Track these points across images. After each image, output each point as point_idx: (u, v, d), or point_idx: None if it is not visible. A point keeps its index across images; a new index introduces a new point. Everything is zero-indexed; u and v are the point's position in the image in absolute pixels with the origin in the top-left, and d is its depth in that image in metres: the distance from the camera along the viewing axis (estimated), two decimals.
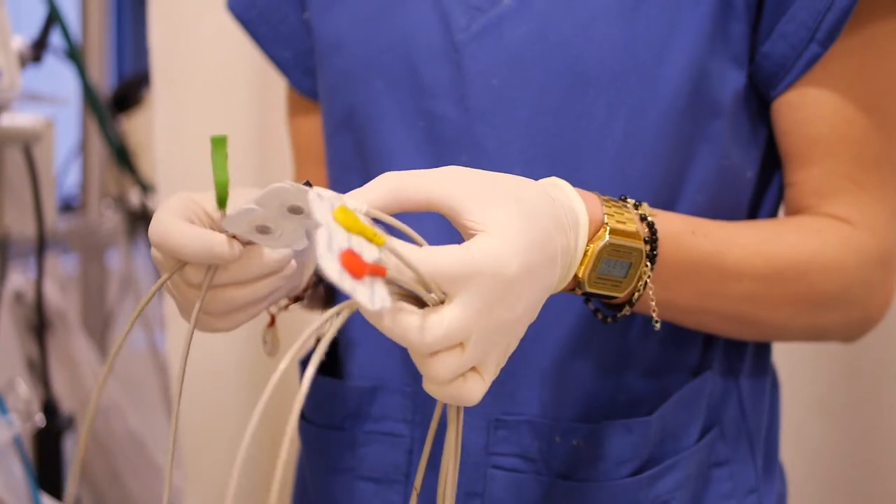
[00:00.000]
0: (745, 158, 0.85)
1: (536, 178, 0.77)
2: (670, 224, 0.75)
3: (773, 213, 0.87)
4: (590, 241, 0.69)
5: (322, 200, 0.57)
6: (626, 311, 0.75)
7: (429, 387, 0.61)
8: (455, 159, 0.83)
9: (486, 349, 0.61)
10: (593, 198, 0.71)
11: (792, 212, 0.85)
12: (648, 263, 0.73)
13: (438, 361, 0.59)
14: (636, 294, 0.73)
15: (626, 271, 0.71)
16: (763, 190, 0.88)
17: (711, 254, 0.77)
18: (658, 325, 0.76)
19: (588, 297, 0.72)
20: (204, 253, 0.67)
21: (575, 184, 0.80)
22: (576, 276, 0.69)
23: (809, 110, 0.81)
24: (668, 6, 0.80)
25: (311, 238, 0.56)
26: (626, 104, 0.80)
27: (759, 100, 0.84)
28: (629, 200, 0.74)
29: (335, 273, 0.54)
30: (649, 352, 0.84)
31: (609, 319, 0.77)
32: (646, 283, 0.73)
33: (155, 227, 0.68)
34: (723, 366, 0.87)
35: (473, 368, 0.61)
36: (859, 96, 0.80)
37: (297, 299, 0.84)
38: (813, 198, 0.83)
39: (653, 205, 0.81)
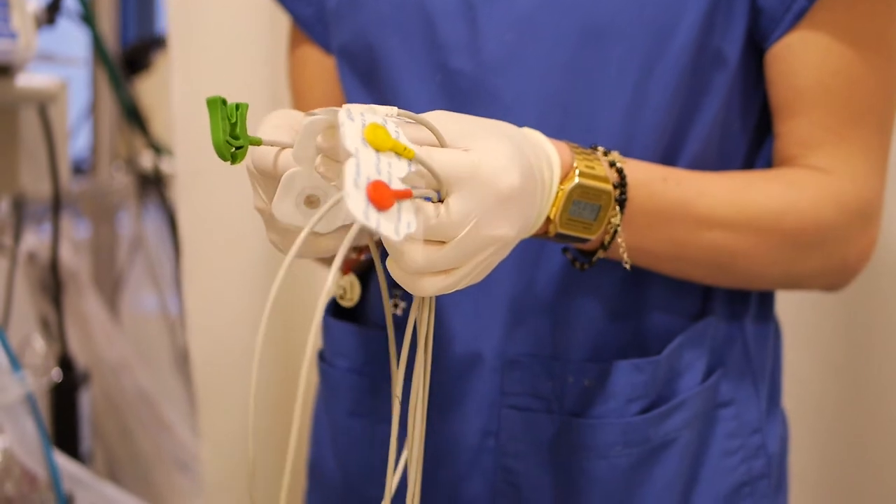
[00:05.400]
0: (743, 112, 0.87)
1: (551, 129, 0.80)
2: (641, 171, 0.78)
3: (768, 167, 0.89)
4: (561, 183, 0.72)
5: (353, 122, 0.59)
6: (601, 254, 0.78)
7: (390, 265, 0.64)
8: (471, 111, 0.85)
9: (463, 255, 0.63)
10: (563, 145, 0.74)
11: (779, 162, 0.87)
12: (618, 207, 0.76)
13: (414, 250, 0.62)
14: (607, 237, 0.76)
15: (595, 214, 0.74)
16: (760, 143, 0.90)
17: (682, 201, 0.79)
18: (629, 266, 0.79)
19: (560, 239, 0.74)
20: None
21: (587, 134, 0.83)
22: (548, 218, 0.72)
23: (796, 62, 0.83)
24: None
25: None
26: (636, 58, 0.82)
27: (759, 53, 0.86)
28: (599, 148, 0.77)
29: (360, 211, 0.56)
30: (653, 297, 0.87)
31: (584, 266, 0.80)
32: (616, 227, 0.76)
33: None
34: (726, 311, 0.90)
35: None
36: (845, 49, 0.82)
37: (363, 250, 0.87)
38: (797, 148, 0.85)
39: (658, 155, 0.84)
